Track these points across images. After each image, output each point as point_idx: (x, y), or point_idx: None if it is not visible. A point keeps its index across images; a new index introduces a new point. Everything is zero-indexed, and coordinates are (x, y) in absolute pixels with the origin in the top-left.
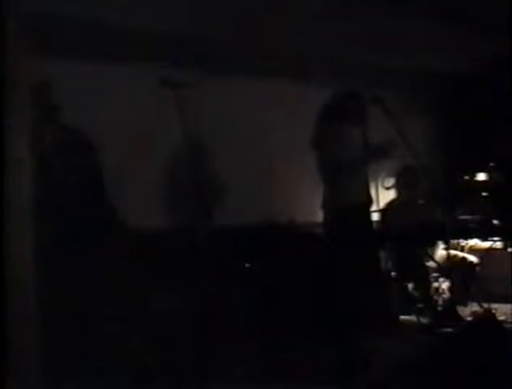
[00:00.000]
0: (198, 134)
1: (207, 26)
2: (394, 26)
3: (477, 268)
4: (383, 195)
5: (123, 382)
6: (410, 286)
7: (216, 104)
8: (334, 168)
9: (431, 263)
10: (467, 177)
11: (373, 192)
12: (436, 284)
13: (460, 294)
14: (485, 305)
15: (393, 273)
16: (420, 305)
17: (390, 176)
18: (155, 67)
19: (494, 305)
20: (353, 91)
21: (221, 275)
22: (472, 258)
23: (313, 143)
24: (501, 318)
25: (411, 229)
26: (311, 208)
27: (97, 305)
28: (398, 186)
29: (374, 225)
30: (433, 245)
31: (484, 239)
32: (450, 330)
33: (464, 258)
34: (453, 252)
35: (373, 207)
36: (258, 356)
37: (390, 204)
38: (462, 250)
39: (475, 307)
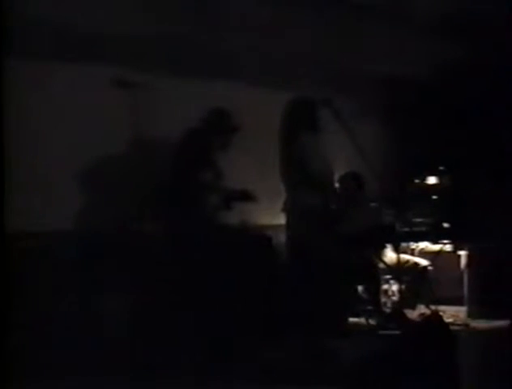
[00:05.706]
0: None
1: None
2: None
3: (427, 271)
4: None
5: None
6: (360, 288)
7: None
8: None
9: (381, 266)
10: (417, 181)
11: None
12: (385, 287)
13: (409, 296)
14: (433, 308)
15: (343, 275)
16: (369, 307)
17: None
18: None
19: (442, 308)
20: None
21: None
22: (422, 261)
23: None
24: (449, 320)
25: (362, 232)
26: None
27: None
28: (348, 189)
29: (323, 228)
30: (384, 247)
31: (434, 242)
32: (397, 332)
33: (414, 261)
34: (403, 255)
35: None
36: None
37: (341, 207)
38: (412, 252)
39: (423, 309)
